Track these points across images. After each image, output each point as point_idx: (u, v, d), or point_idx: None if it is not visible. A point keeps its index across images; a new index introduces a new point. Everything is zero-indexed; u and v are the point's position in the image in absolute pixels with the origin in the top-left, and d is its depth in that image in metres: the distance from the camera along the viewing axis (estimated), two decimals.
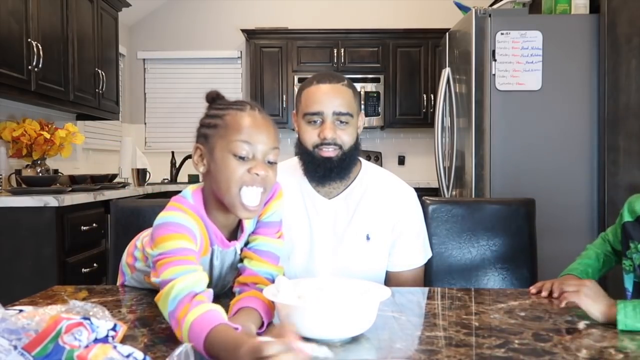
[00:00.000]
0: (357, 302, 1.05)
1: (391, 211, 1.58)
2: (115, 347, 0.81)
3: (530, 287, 1.39)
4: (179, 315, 0.97)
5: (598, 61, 2.98)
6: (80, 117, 4.08)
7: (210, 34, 5.30)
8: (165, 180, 5.02)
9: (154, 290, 1.41)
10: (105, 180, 3.62)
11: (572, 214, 2.98)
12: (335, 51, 5.00)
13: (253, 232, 1.26)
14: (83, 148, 4.35)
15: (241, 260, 1.25)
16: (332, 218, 1.56)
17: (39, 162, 3.28)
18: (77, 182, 3.24)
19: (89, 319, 0.86)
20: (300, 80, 4.92)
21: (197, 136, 1.19)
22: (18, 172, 3.20)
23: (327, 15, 5.31)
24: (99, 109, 3.86)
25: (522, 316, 1.16)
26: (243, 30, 5.07)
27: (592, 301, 1.13)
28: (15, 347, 0.79)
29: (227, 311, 1.12)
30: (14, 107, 3.27)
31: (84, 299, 1.27)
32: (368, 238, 1.55)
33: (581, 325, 1.10)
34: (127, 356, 0.80)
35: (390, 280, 1.60)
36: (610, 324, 1.09)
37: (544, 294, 1.33)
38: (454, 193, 3.47)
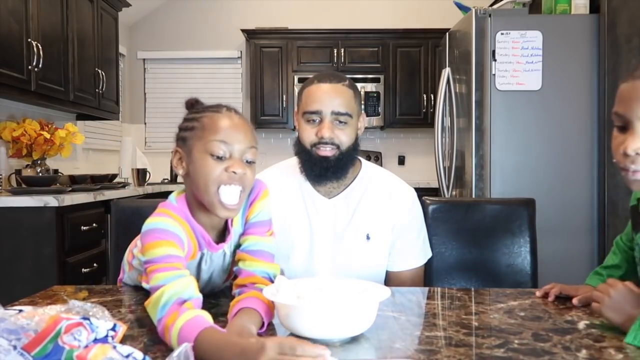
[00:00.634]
0: (356, 302, 1.05)
1: (391, 211, 1.58)
2: (114, 347, 0.81)
3: (536, 291, 1.35)
4: (167, 321, 0.97)
5: (598, 61, 2.98)
6: (80, 117, 4.08)
7: (210, 34, 5.30)
8: (165, 180, 5.02)
9: None
10: (105, 180, 3.62)
11: (572, 214, 2.98)
12: (335, 51, 5.00)
13: (243, 234, 1.26)
14: (83, 148, 4.35)
15: (236, 263, 1.24)
16: (332, 217, 1.56)
17: (39, 162, 3.28)
18: (77, 182, 3.24)
19: (88, 319, 0.86)
20: (300, 80, 4.92)
21: (176, 139, 1.20)
22: (18, 172, 3.20)
23: (327, 15, 5.31)
24: (99, 109, 3.86)
25: (521, 316, 1.16)
26: (243, 30, 5.07)
27: (614, 314, 1.05)
28: (15, 347, 0.79)
29: (227, 312, 1.12)
30: (14, 107, 3.28)
31: (83, 299, 1.27)
32: (368, 238, 1.55)
33: (581, 325, 1.10)
34: (127, 356, 0.80)
35: (390, 280, 1.60)
36: (610, 324, 1.09)
37: (551, 298, 1.30)
38: (454, 193, 3.47)
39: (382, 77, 4.99)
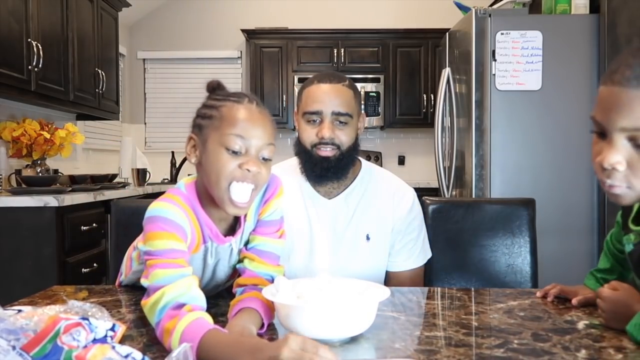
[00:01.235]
0: (356, 302, 1.04)
1: (391, 211, 1.58)
2: (113, 347, 0.81)
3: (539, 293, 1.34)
4: (167, 325, 0.95)
5: (598, 61, 2.98)
6: (80, 117, 4.08)
7: (210, 34, 5.30)
8: (165, 180, 5.02)
9: None
10: (105, 180, 3.62)
11: (572, 214, 2.98)
12: (335, 51, 4.99)
13: (253, 231, 1.22)
14: (83, 148, 4.35)
15: (240, 261, 1.22)
16: (332, 218, 1.56)
17: (39, 162, 3.28)
18: (77, 182, 3.23)
19: (87, 319, 0.86)
20: (300, 80, 4.92)
21: (192, 126, 1.15)
22: (18, 172, 3.20)
23: (327, 15, 5.31)
24: (99, 109, 3.86)
25: (521, 316, 1.16)
26: (243, 30, 5.07)
27: (616, 323, 1.04)
28: (14, 348, 0.79)
29: (227, 312, 1.12)
30: (14, 107, 3.28)
31: (83, 299, 1.27)
32: (368, 238, 1.55)
33: (580, 325, 1.10)
34: (126, 356, 0.79)
35: (390, 280, 1.60)
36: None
37: (550, 298, 1.29)
38: (454, 193, 3.47)
39: (382, 77, 4.99)
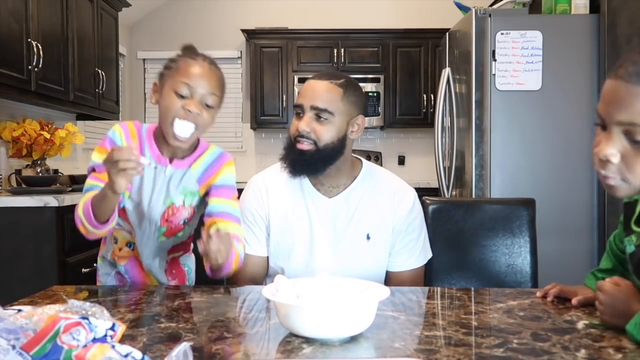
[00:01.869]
0: (356, 301, 1.05)
1: (392, 211, 1.58)
2: (113, 346, 0.81)
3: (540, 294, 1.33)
4: (77, 210, 1.35)
5: (598, 61, 2.98)
6: (80, 117, 4.08)
7: (210, 34, 5.30)
8: None
9: (152, 290, 1.41)
10: None
11: (572, 214, 2.98)
12: (335, 51, 4.99)
13: (208, 195, 1.44)
14: (83, 148, 4.35)
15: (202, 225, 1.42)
16: (332, 217, 1.56)
17: (39, 162, 3.28)
18: (77, 182, 3.23)
19: (87, 318, 0.86)
20: (300, 80, 4.92)
21: (158, 75, 1.43)
22: (18, 172, 3.20)
23: (327, 15, 5.30)
24: (99, 109, 3.85)
25: (521, 316, 1.16)
26: (243, 30, 5.07)
27: (613, 319, 1.05)
28: (14, 347, 0.79)
29: (226, 312, 1.12)
30: (14, 107, 3.27)
31: (83, 299, 1.27)
32: (368, 237, 1.55)
33: (580, 325, 1.10)
34: (126, 356, 0.79)
35: (390, 280, 1.60)
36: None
37: (550, 298, 1.29)
38: (454, 193, 3.47)
39: (382, 77, 4.99)
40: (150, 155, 1.43)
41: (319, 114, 1.49)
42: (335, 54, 5.00)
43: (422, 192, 2.12)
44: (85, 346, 0.82)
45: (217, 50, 5.34)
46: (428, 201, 1.85)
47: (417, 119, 5.07)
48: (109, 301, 1.30)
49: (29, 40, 2.86)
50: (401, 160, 5.37)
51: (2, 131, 3.12)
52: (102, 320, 0.88)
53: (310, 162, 1.51)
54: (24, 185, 2.96)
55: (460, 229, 1.84)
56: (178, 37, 5.30)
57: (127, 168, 1.19)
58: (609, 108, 0.97)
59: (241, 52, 5.40)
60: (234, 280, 1.61)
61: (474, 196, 3.07)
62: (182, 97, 1.34)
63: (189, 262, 1.64)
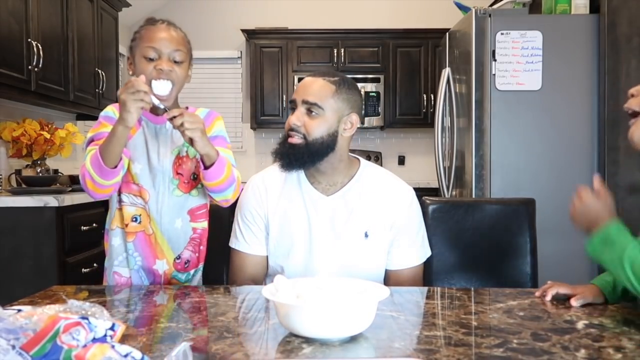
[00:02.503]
0: (355, 301, 1.05)
1: (389, 209, 1.58)
2: (113, 346, 0.81)
3: (540, 294, 1.32)
4: (84, 167, 1.41)
5: (598, 61, 2.97)
6: (80, 117, 4.08)
7: (210, 34, 5.30)
8: None
9: (153, 290, 1.41)
10: None
11: None
12: (335, 51, 4.99)
13: None
14: (83, 148, 4.35)
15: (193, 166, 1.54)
16: (330, 215, 1.56)
17: (39, 162, 3.28)
18: (77, 182, 3.23)
19: (87, 318, 0.86)
20: (300, 80, 4.91)
21: (128, 49, 1.55)
22: (18, 172, 3.20)
23: (327, 15, 5.30)
24: (99, 109, 3.84)
25: (520, 316, 1.16)
26: (243, 30, 5.07)
27: (578, 222, 1.20)
28: (14, 347, 0.79)
29: (225, 313, 1.12)
30: (14, 107, 3.27)
31: (83, 299, 1.27)
32: (366, 236, 1.55)
33: (580, 325, 1.10)
34: (125, 356, 0.80)
35: (389, 278, 1.60)
36: (609, 324, 1.09)
37: (548, 298, 1.29)
38: (454, 193, 3.47)
39: (382, 77, 4.99)
40: (147, 119, 1.54)
41: (310, 108, 1.52)
42: (335, 54, 5.00)
43: (422, 192, 2.12)
44: (85, 346, 0.82)
45: (217, 50, 5.35)
46: (428, 201, 1.85)
47: (417, 119, 5.07)
48: (108, 301, 1.30)
49: (29, 40, 2.86)
50: (401, 160, 5.38)
51: (2, 131, 3.12)
52: (101, 320, 0.88)
53: (299, 156, 1.52)
54: (24, 185, 2.96)
55: (460, 229, 1.84)
56: None
57: (141, 94, 1.31)
58: None
59: (241, 52, 5.40)
60: (234, 280, 1.61)
61: (474, 196, 3.07)
62: (151, 60, 1.46)
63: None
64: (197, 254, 1.59)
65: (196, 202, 1.57)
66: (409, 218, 1.60)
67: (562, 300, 1.29)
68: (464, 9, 3.41)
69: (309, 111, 1.52)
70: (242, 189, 1.65)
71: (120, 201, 1.53)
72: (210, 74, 5.38)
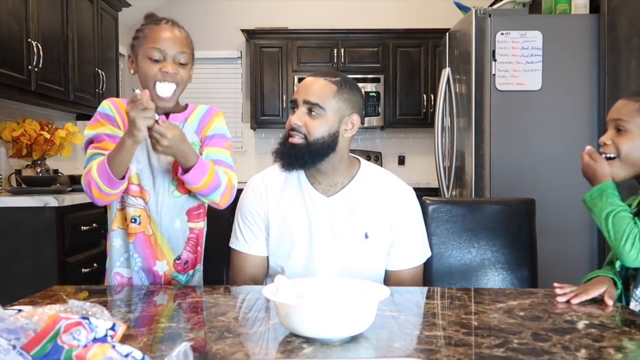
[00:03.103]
0: (356, 301, 1.05)
1: (389, 210, 1.58)
2: (114, 346, 0.81)
3: (558, 298, 1.30)
4: (89, 175, 1.40)
5: (598, 61, 2.97)
6: (80, 117, 4.07)
7: (210, 34, 5.30)
8: None
9: (153, 290, 1.41)
10: None
11: (572, 214, 2.98)
12: (335, 51, 4.99)
13: (203, 145, 1.52)
14: (82, 148, 4.35)
15: None
16: (330, 216, 1.56)
17: (39, 162, 3.28)
18: (77, 182, 3.23)
19: (87, 318, 0.86)
20: (300, 80, 4.92)
21: (129, 47, 1.52)
22: (18, 172, 3.20)
23: (327, 15, 5.30)
24: None
25: (521, 316, 1.16)
26: (243, 30, 5.07)
27: (591, 175, 1.46)
28: (14, 347, 0.79)
29: (225, 313, 1.12)
30: (14, 107, 3.27)
31: (84, 299, 1.27)
32: (366, 236, 1.55)
33: (580, 325, 1.10)
34: (126, 356, 0.79)
35: (389, 279, 1.60)
36: (609, 324, 1.09)
37: (575, 301, 1.28)
38: (454, 193, 3.47)
39: (382, 77, 4.99)
40: None
41: (311, 108, 1.51)
42: (335, 54, 5.00)
43: (422, 192, 2.12)
44: (85, 346, 0.82)
45: (217, 50, 5.35)
46: (428, 201, 1.85)
47: (417, 119, 5.07)
48: (109, 301, 1.30)
49: (29, 40, 2.86)
50: (401, 160, 5.38)
51: (2, 131, 3.12)
52: (102, 320, 0.88)
53: (299, 156, 1.52)
54: (24, 185, 2.96)
55: (460, 229, 1.84)
56: None
57: (150, 112, 1.30)
58: None
59: (241, 52, 5.40)
60: (234, 280, 1.61)
61: (474, 196, 3.07)
62: (156, 61, 1.45)
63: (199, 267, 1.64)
64: (195, 255, 1.58)
65: (194, 202, 1.57)
66: (409, 218, 1.60)
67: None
68: (464, 9, 3.41)
69: (310, 111, 1.51)
70: (243, 190, 1.65)
71: (121, 202, 1.53)
72: (210, 74, 5.38)
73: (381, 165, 4.01)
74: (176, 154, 1.38)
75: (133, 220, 1.52)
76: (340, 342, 1.00)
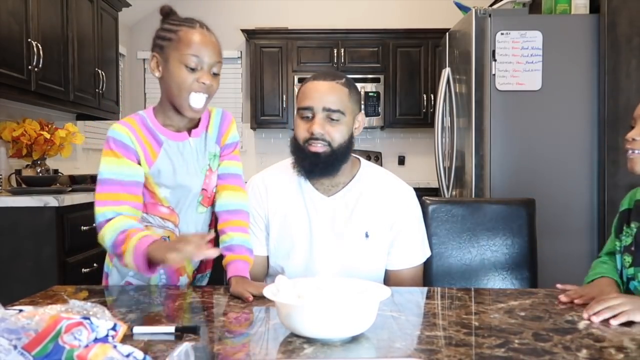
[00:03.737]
0: (356, 301, 1.05)
1: (390, 209, 1.58)
2: (115, 346, 0.81)
3: (561, 297, 1.29)
4: (122, 249, 1.29)
5: (598, 61, 2.97)
6: (80, 117, 4.08)
7: None
8: None
9: (153, 290, 1.41)
10: None
11: (572, 214, 2.98)
12: (335, 51, 4.99)
13: (221, 155, 1.52)
14: (83, 148, 4.35)
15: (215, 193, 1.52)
16: (331, 216, 1.56)
17: (39, 162, 3.28)
18: (77, 182, 3.23)
19: (88, 318, 0.86)
20: (300, 80, 4.92)
21: (153, 46, 1.41)
22: (18, 172, 3.19)
23: (327, 15, 5.31)
24: (99, 109, 3.85)
25: (522, 316, 1.16)
26: (243, 30, 5.07)
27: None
28: (15, 347, 0.79)
29: (225, 313, 1.12)
30: (14, 107, 3.27)
31: (84, 299, 1.27)
32: (367, 236, 1.55)
33: (581, 325, 1.10)
34: (127, 356, 0.80)
35: (389, 278, 1.60)
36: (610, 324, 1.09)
37: (578, 301, 1.26)
38: (454, 193, 3.47)
39: (382, 77, 4.99)
40: (166, 138, 1.43)
41: (331, 115, 1.49)
42: (335, 54, 5.00)
43: (422, 192, 2.12)
44: (86, 346, 0.82)
45: None
46: (428, 201, 1.85)
47: (417, 119, 5.07)
48: (109, 301, 1.30)
49: (29, 40, 2.86)
50: (401, 160, 5.38)
51: (2, 131, 3.12)
52: (103, 321, 0.88)
53: (328, 164, 1.51)
54: (24, 185, 2.96)
55: (460, 229, 1.84)
56: None
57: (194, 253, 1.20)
58: None
59: (241, 52, 5.40)
60: None
61: (474, 196, 3.07)
62: (192, 69, 1.36)
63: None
64: (204, 261, 1.58)
65: (210, 217, 1.57)
66: (410, 218, 1.60)
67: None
68: (464, 9, 3.41)
69: (330, 118, 1.49)
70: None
71: (143, 220, 1.46)
72: None
73: (381, 165, 4.01)
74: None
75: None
76: (341, 342, 1.00)
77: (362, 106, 1.48)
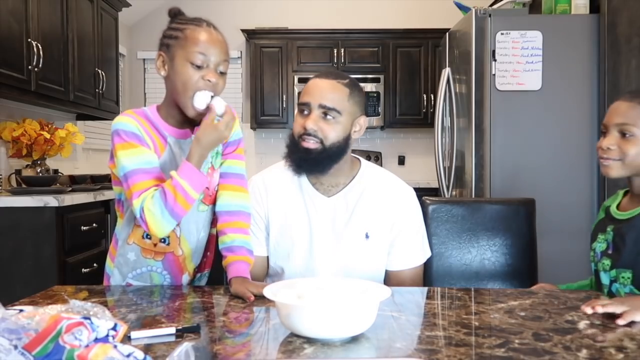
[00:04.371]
0: (357, 301, 1.05)
1: (390, 210, 1.58)
2: (115, 346, 0.81)
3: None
4: (173, 196, 1.29)
5: (598, 61, 2.98)
6: (80, 117, 4.08)
7: None
8: None
9: (153, 290, 1.41)
10: (106, 180, 3.61)
11: (572, 214, 2.98)
12: (335, 51, 5.00)
13: (223, 153, 1.50)
14: (83, 148, 4.35)
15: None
16: (331, 216, 1.56)
17: (39, 162, 3.28)
18: (77, 182, 3.23)
19: (89, 318, 0.86)
20: (300, 80, 4.93)
21: (160, 45, 1.41)
22: (18, 172, 3.20)
23: (327, 15, 5.31)
24: (99, 109, 3.85)
25: (522, 316, 1.16)
26: (243, 30, 5.07)
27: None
28: (16, 347, 0.79)
29: (224, 313, 1.12)
30: (14, 107, 3.27)
31: (84, 299, 1.27)
32: (367, 236, 1.55)
33: (581, 325, 1.10)
34: (128, 356, 0.80)
35: (389, 279, 1.61)
36: (610, 324, 1.09)
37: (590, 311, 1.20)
38: (454, 193, 3.47)
39: (382, 77, 4.99)
40: (170, 134, 1.42)
41: (327, 112, 1.50)
42: (335, 54, 5.00)
43: (422, 192, 2.12)
44: (87, 346, 0.82)
45: None
46: (428, 201, 1.85)
47: (417, 119, 5.07)
48: (109, 301, 1.30)
49: (29, 40, 2.86)
50: (401, 160, 5.38)
51: (2, 131, 3.12)
52: (104, 320, 0.88)
53: (318, 161, 1.51)
54: (24, 185, 2.96)
55: (460, 229, 1.84)
56: None
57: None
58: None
59: (241, 52, 5.40)
60: None
61: (474, 196, 3.07)
62: (198, 67, 1.35)
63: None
64: (204, 259, 1.58)
65: (211, 216, 1.55)
66: (410, 219, 1.60)
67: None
68: (464, 9, 3.41)
69: (325, 115, 1.50)
70: None
71: None
72: None
73: (381, 165, 4.01)
74: (212, 146, 1.36)
75: (162, 241, 1.48)
76: (341, 342, 1.00)
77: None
